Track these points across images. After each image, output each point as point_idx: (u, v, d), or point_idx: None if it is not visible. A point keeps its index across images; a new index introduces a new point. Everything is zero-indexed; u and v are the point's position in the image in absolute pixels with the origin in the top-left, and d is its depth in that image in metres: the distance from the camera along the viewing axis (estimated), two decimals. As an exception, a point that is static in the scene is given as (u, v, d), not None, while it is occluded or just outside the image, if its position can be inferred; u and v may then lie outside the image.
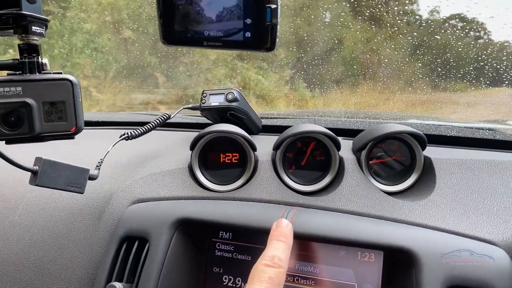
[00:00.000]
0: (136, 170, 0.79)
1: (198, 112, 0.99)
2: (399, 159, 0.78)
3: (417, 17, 1.58)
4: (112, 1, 2.42)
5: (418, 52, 1.40)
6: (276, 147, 0.77)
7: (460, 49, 1.26)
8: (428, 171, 0.74)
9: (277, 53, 1.84)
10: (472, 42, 1.28)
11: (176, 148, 0.91)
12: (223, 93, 0.92)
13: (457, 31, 1.32)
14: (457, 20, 1.36)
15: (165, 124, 0.96)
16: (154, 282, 0.59)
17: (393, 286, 0.55)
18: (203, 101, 0.94)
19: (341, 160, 0.77)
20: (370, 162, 0.78)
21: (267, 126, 1.07)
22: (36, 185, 0.59)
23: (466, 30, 1.31)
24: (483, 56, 1.17)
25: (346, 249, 0.58)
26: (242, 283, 0.61)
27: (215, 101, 0.92)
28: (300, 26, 1.73)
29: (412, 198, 0.70)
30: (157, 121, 0.87)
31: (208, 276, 0.63)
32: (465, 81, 1.23)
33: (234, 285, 0.62)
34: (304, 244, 0.60)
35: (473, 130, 0.94)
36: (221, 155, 0.80)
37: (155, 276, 0.59)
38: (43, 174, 0.60)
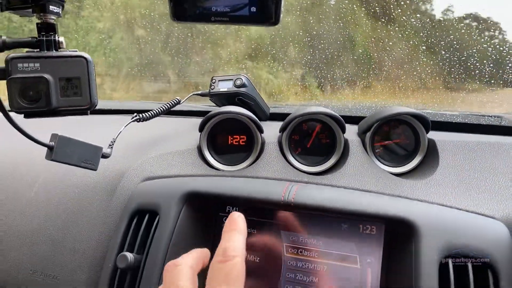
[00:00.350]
0: (147, 151, 0.82)
1: (207, 100, 1.02)
2: (403, 142, 0.79)
3: (430, 16, 1.58)
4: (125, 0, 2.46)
5: (431, 51, 1.39)
6: (282, 129, 0.79)
7: (475, 48, 1.26)
8: (431, 153, 0.76)
9: (287, 52, 1.85)
10: (488, 41, 1.28)
11: (185, 132, 0.93)
12: (232, 79, 0.94)
13: (472, 30, 1.31)
14: (472, 19, 1.36)
15: (175, 112, 0.99)
16: (163, 253, 0.61)
17: (393, 258, 0.57)
18: (212, 87, 0.97)
19: (346, 142, 0.78)
20: (375, 144, 0.80)
21: (275, 114, 1.09)
22: (52, 160, 0.62)
23: (481, 29, 1.30)
24: (499, 55, 1.16)
25: (349, 223, 0.60)
26: (248, 255, 0.64)
27: (224, 87, 0.95)
28: (311, 24, 1.73)
29: (415, 178, 0.72)
30: (168, 105, 0.90)
31: (215, 248, 0.66)
32: (480, 80, 1.22)
33: (240, 258, 0.64)
34: (308, 217, 0.62)
35: (478, 117, 0.95)
36: (229, 137, 0.82)
37: (164, 248, 0.62)
38: (59, 150, 0.63)
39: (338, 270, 0.59)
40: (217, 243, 0.64)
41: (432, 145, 0.76)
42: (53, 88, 0.56)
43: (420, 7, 1.65)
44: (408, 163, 0.77)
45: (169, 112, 0.92)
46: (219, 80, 0.97)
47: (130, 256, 0.61)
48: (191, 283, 0.39)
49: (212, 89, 0.96)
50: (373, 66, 1.70)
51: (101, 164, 0.67)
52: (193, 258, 0.43)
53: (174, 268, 0.40)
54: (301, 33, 1.73)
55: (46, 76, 0.55)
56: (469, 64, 1.23)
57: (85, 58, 0.57)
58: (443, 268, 0.52)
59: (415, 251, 0.52)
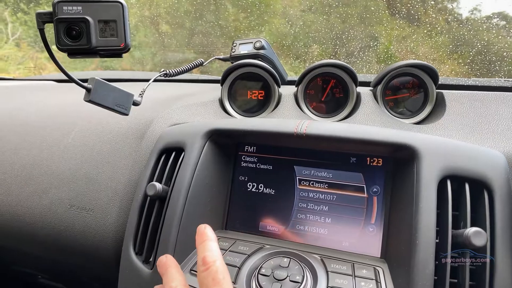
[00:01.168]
0: (173, 103, 0.89)
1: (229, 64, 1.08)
2: (413, 96, 0.84)
3: (457, 15, 1.58)
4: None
5: (457, 50, 1.40)
6: (298, 83, 0.84)
7: (502, 48, 1.26)
8: (440, 104, 0.80)
9: (309, 50, 1.87)
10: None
11: (207, 91, 1.00)
12: (252, 42, 1.00)
13: (499, 29, 1.31)
14: (499, 18, 1.36)
15: (197, 81, 1.05)
16: (187, 184, 0.67)
17: (397, 186, 0.61)
18: (233, 50, 1.03)
19: (358, 95, 0.83)
20: (386, 98, 0.84)
21: (292, 81, 1.14)
22: (89, 100, 0.70)
23: (508, 28, 1.30)
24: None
25: (357, 156, 0.65)
26: (264, 188, 0.69)
27: (244, 49, 1.01)
28: (335, 23, 1.76)
29: (423, 125, 0.76)
30: (192, 64, 0.97)
31: (235, 183, 0.72)
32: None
33: (257, 190, 0.70)
34: (319, 153, 0.67)
35: (490, 80, 0.98)
36: (248, 92, 0.89)
37: (188, 179, 0.68)
38: (95, 92, 0.70)
39: (347, 199, 0.65)
40: (237, 178, 0.71)
41: (440, 97, 0.80)
42: (93, 28, 0.63)
43: (446, 6, 1.65)
44: (417, 114, 0.82)
45: (191, 80, 0.99)
46: (239, 44, 1.03)
47: (158, 185, 0.68)
48: None
49: (233, 52, 1.03)
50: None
51: (131, 113, 0.74)
52: (181, 276, 0.49)
53: None
54: (325, 31, 1.74)
55: (87, 17, 0.62)
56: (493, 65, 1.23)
57: (121, 3, 0.64)
58: (441, 190, 0.56)
59: (416, 172, 0.56)
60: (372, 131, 0.62)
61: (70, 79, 0.66)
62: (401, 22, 1.60)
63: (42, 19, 0.61)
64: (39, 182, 0.85)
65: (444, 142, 0.59)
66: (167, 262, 0.52)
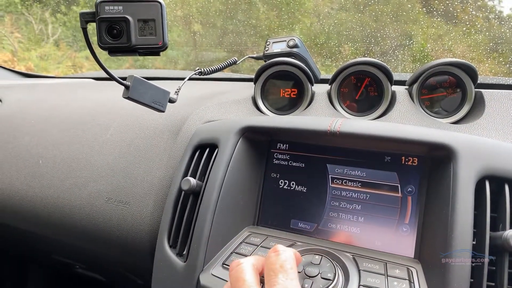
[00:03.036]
0: (207, 101, 0.91)
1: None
2: (450, 95, 0.82)
3: (497, 12, 1.53)
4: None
5: (497, 49, 1.36)
6: (332, 81, 0.84)
7: None
8: (479, 104, 0.77)
9: (342, 49, 1.85)
10: None
11: (241, 89, 1.01)
12: (285, 40, 1.01)
13: None
14: None
15: (230, 79, 1.06)
16: (221, 179, 0.69)
17: (433, 186, 0.60)
18: (266, 48, 1.04)
19: (393, 94, 0.82)
20: (422, 97, 0.83)
21: (325, 80, 1.14)
22: (128, 97, 0.72)
23: None
24: None
25: (391, 155, 0.64)
26: (296, 186, 0.70)
27: (277, 48, 1.01)
28: (368, 21, 1.74)
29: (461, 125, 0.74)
30: (226, 63, 0.98)
31: (266, 179, 0.73)
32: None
33: (288, 188, 0.70)
34: (352, 152, 0.67)
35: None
36: (281, 90, 0.89)
37: (222, 174, 0.69)
38: (134, 89, 0.73)
39: (380, 198, 0.64)
40: (269, 175, 0.72)
41: (479, 96, 0.78)
42: (133, 27, 0.65)
43: (486, 3, 1.60)
44: (455, 114, 0.80)
45: (224, 79, 1.01)
46: (273, 42, 1.03)
47: (192, 180, 0.69)
48: (254, 277, 0.43)
49: (266, 51, 1.03)
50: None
51: (167, 110, 0.76)
52: (254, 258, 0.47)
53: (237, 265, 0.45)
54: (358, 29, 1.72)
55: (128, 16, 0.65)
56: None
57: (160, 3, 0.66)
58: (479, 191, 0.55)
59: (453, 172, 0.55)
60: (408, 129, 0.61)
61: (110, 77, 0.69)
62: (437, 20, 1.56)
63: (85, 18, 0.64)
64: (78, 176, 0.88)
65: (483, 142, 0.57)
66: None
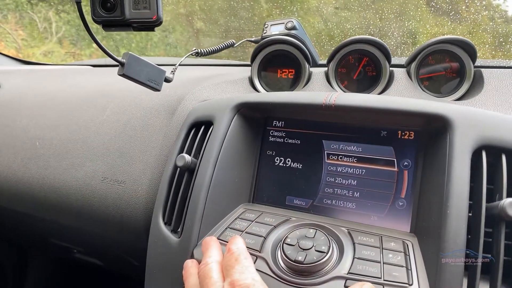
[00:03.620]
0: (203, 81, 0.90)
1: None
2: (449, 75, 0.81)
3: (502, 12, 1.51)
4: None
5: (501, 48, 1.34)
6: (329, 60, 0.83)
7: None
8: (478, 82, 0.76)
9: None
10: None
11: (237, 71, 1.01)
12: (283, 23, 1.00)
13: None
14: None
15: (227, 65, 1.05)
16: (215, 156, 0.68)
17: (430, 159, 0.59)
18: (265, 31, 1.03)
19: (391, 73, 0.81)
20: (420, 77, 0.81)
21: (324, 65, 1.13)
22: (123, 74, 0.72)
23: None
24: None
25: (387, 129, 0.64)
26: (291, 162, 0.69)
27: (275, 30, 1.01)
28: (371, 19, 1.72)
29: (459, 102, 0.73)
30: (223, 45, 0.98)
31: (262, 157, 0.72)
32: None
33: (284, 165, 0.70)
34: (348, 127, 0.66)
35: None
36: (278, 70, 0.88)
37: (216, 151, 0.68)
38: (129, 66, 0.72)
39: (376, 173, 0.63)
40: (265, 152, 0.71)
41: (478, 75, 0.77)
42: (127, 0, 0.65)
43: (491, 2, 1.58)
44: (454, 93, 0.79)
45: (222, 65, 1.00)
46: (271, 25, 1.02)
47: (187, 156, 0.69)
48: (219, 274, 0.50)
49: (264, 33, 1.03)
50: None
51: (163, 90, 0.76)
52: (218, 254, 0.54)
53: (205, 265, 0.52)
54: (361, 28, 1.71)
55: (121, -11, 0.64)
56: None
57: (154, -24, 0.66)
58: (476, 164, 0.54)
59: (449, 142, 0.54)
60: (404, 101, 0.60)
61: (105, 52, 0.68)
62: (442, 18, 1.54)
63: (79, -9, 0.64)
64: (75, 156, 0.88)
65: (479, 112, 0.56)
66: (210, 242, 0.58)
